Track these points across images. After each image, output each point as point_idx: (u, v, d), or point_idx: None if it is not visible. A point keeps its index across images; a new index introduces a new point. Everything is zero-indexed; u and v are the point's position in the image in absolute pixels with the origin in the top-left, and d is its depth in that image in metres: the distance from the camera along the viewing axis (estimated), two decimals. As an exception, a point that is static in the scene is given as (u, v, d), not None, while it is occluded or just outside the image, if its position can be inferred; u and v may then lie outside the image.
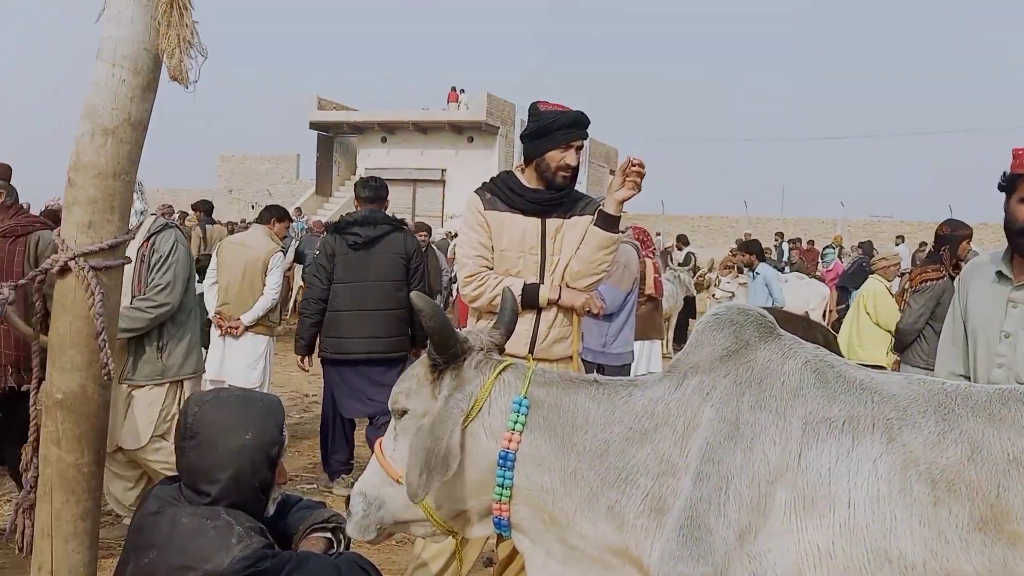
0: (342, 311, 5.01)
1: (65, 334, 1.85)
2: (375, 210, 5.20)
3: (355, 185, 5.59)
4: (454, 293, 9.47)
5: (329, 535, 2.24)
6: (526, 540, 1.89)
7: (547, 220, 3.21)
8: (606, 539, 1.80)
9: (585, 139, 3.20)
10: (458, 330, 1.92)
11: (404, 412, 1.91)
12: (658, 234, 27.29)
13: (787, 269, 15.83)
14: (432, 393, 1.89)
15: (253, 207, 29.82)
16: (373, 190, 5.27)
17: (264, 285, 5.95)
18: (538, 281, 3.20)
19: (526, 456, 1.83)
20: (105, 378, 1.85)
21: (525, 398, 1.87)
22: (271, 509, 2.09)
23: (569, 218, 3.22)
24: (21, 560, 1.98)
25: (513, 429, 1.83)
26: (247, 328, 5.93)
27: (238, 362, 6.00)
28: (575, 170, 3.18)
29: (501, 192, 3.22)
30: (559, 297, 3.18)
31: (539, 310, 3.19)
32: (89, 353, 1.85)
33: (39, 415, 1.87)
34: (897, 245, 20.58)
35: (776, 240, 22.14)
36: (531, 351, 3.19)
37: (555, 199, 3.19)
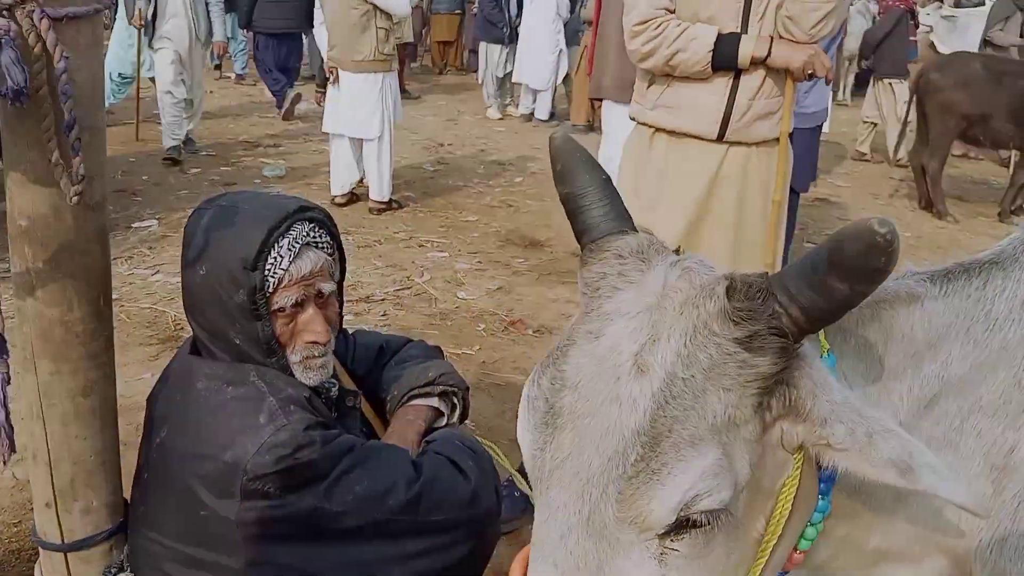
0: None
1: (22, 128, 1.17)
2: None
3: None
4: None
5: (436, 401, 1.61)
6: None
7: None
8: (919, 527, 1.03)
9: None
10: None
11: (712, 516, 0.82)
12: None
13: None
14: (761, 430, 0.85)
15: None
16: None
17: (363, 14, 5.13)
18: (739, 31, 2.22)
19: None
20: (74, 200, 1.17)
21: (830, 352, 0.93)
22: (304, 376, 1.41)
23: None
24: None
25: None
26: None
27: (354, 111, 5.34)
28: None
29: None
30: (768, 53, 2.21)
31: (738, 73, 2.25)
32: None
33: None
34: None
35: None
36: (722, 133, 2.30)
37: None
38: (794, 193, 4.48)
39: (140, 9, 6.14)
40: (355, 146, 5.56)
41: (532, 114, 9.18)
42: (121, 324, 3.68)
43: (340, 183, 5.66)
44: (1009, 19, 8.01)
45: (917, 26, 8.10)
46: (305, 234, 1.37)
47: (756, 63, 2.22)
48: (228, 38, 9.75)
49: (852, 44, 10.20)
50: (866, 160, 7.87)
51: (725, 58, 2.21)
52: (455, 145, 7.85)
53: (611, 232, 0.93)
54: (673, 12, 2.25)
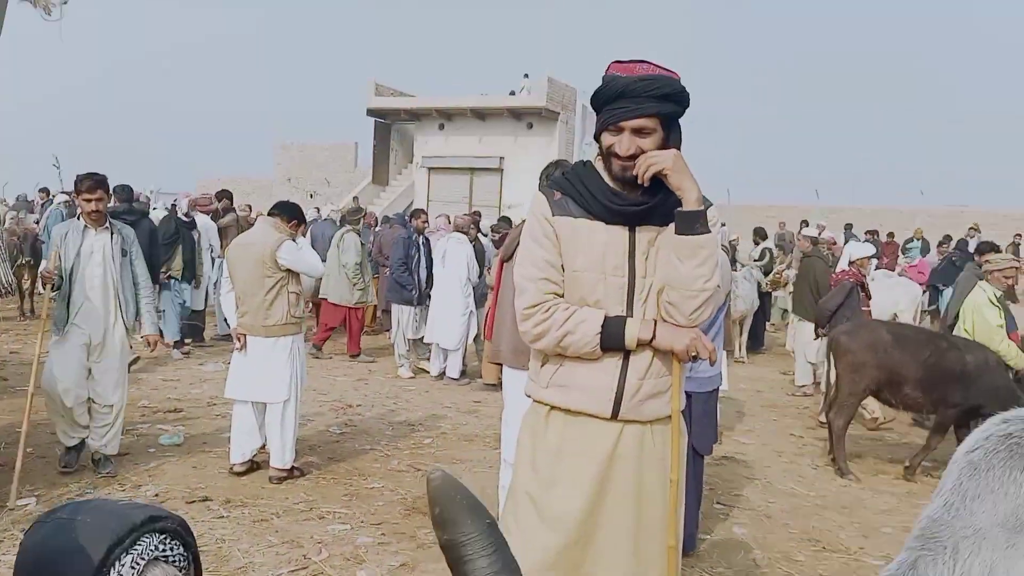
0: None
1: None
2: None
3: (116, 189, 8.22)
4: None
5: None
6: None
7: (637, 230, 2.34)
8: None
9: (646, 116, 2.21)
10: None
11: None
12: (723, 224, 26.07)
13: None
14: None
15: (311, 196, 29.47)
16: (127, 191, 8.67)
17: (276, 282, 5.26)
18: (625, 314, 2.34)
19: None
20: None
21: None
22: None
23: (668, 225, 2.34)
24: None
25: None
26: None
27: (262, 375, 5.30)
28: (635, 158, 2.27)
29: (575, 191, 2.37)
30: (653, 336, 2.32)
31: (627, 353, 2.34)
32: None
33: None
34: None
35: (846, 231, 20.82)
36: (616, 411, 2.33)
37: (642, 204, 2.32)
38: (699, 456, 4.54)
39: (54, 258, 5.05)
40: (258, 411, 5.44)
41: (443, 373, 9.27)
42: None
43: (240, 451, 5.45)
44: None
45: (869, 297, 8.46)
46: (153, 548, 1.24)
47: (642, 345, 2.32)
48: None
49: (741, 306, 10.95)
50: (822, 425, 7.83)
51: (613, 340, 2.30)
52: (364, 406, 7.77)
53: None
54: (562, 295, 2.36)
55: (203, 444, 6.06)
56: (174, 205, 10.77)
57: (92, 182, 5.10)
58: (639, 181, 2.24)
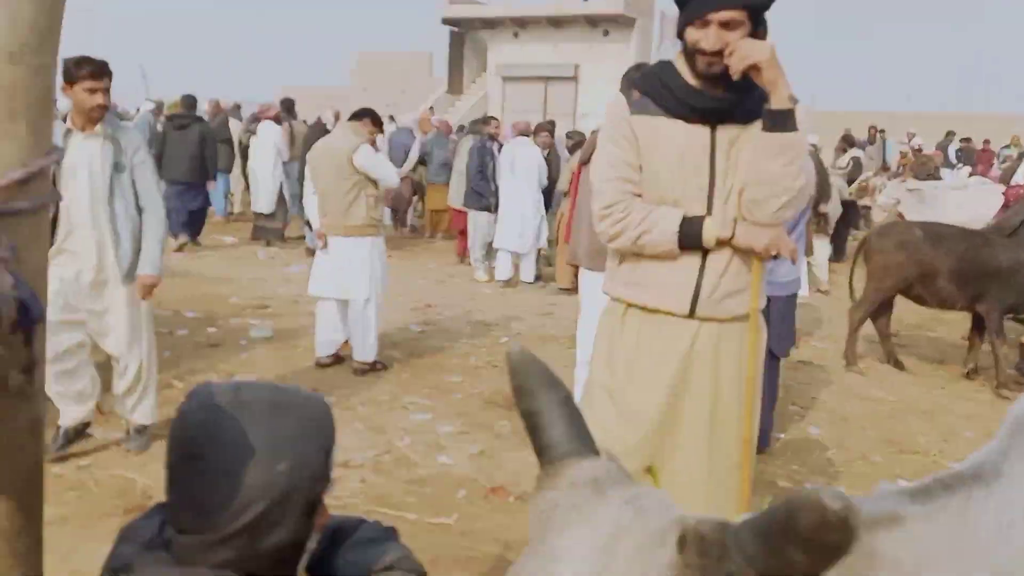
0: None
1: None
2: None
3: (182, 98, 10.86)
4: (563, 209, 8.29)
5: None
6: None
7: (718, 128, 2.31)
8: None
9: (734, 8, 2.14)
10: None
11: None
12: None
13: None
14: None
15: (387, 105, 29.53)
16: (190, 100, 10.70)
17: (354, 184, 5.39)
18: (704, 213, 2.33)
19: None
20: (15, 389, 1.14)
21: None
22: (303, 562, 1.38)
23: (750, 124, 2.30)
24: None
25: None
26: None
27: (342, 273, 5.51)
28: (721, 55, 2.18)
29: (654, 90, 2.33)
30: (732, 235, 2.31)
31: (705, 252, 2.34)
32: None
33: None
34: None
35: (947, 139, 19.79)
36: (693, 309, 2.36)
37: (724, 100, 2.27)
38: (774, 358, 4.55)
39: None
40: (341, 308, 5.65)
41: (510, 280, 9.36)
42: (87, 493, 3.61)
43: (325, 345, 5.71)
44: None
45: None
46: None
47: (722, 243, 2.32)
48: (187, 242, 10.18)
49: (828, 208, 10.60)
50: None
51: (691, 239, 2.30)
52: (443, 306, 7.96)
53: (568, 455, 0.91)
54: (639, 196, 2.36)
55: (291, 338, 6.35)
56: (318, 118, 11.12)
57: (95, 66, 3.64)
58: (731, 73, 2.18)
